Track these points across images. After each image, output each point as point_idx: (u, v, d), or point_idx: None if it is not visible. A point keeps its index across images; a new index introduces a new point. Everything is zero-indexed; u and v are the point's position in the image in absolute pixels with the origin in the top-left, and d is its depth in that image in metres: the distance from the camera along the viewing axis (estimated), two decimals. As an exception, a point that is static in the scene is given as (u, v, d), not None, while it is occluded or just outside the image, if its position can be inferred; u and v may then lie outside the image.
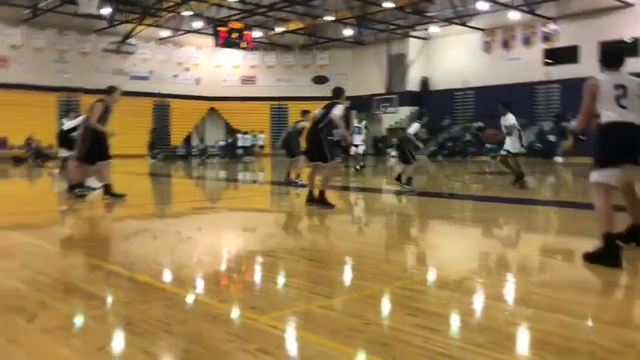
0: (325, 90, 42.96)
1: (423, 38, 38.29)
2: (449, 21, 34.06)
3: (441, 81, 39.58)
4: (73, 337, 3.06)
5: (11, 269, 4.79)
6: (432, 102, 40.12)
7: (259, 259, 5.36)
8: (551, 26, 34.20)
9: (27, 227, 7.31)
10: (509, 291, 4.20)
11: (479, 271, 4.82)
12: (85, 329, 3.20)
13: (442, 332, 3.10)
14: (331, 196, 9.14)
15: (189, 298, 3.86)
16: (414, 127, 11.58)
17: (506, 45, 36.60)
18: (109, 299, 3.84)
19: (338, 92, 9.48)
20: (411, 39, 38.62)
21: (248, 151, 36.74)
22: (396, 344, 2.87)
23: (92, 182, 10.81)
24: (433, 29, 36.70)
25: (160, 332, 3.09)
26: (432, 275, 4.67)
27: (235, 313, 3.48)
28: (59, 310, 3.53)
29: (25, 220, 8.06)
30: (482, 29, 36.54)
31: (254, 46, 36.68)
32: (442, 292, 4.05)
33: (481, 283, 4.31)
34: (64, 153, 13.45)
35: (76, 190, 10.20)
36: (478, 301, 3.83)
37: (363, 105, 41.25)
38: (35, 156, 29.51)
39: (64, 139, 12.96)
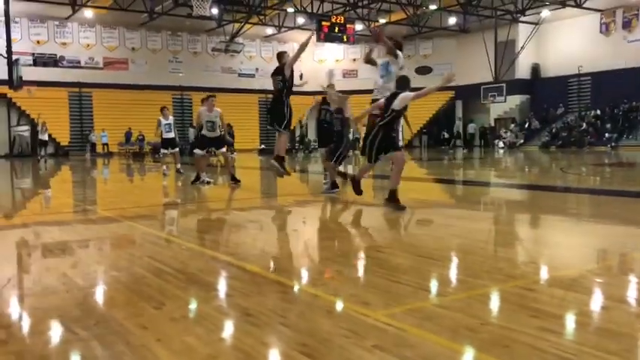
0: (429, 80, 42.19)
1: (534, 23, 36.36)
2: (562, 3, 32.06)
3: (554, 67, 37.47)
4: (197, 325, 3.22)
5: (138, 258, 5.14)
6: (543, 90, 38.13)
7: (367, 254, 5.35)
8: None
9: (148, 218, 7.83)
10: (637, 294, 3.88)
11: (601, 271, 4.50)
12: (208, 318, 3.35)
13: (567, 336, 2.93)
14: (431, 189, 8.93)
15: (302, 291, 3.93)
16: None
17: (627, 26, 33.90)
18: (227, 290, 4.01)
19: (402, 82, 8.18)
20: (520, 24, 36.83)
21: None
22: (517, 347, 2.74)
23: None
24: (545, 13, 34.73)
25: (277, 324, 3.17)
26: (549, 274, 4.42)
27: (349, 308, 3.50)
28: (183, 299, 3.74)
29: (146, 212, 8.64)
30: (600, 10, 34.08)
31: (356, 39, 36.62)
32: (563, 293, 3.81)
33: (605, 284, 4.02)
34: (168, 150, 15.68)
35: (198, 181, 11.89)
36: (604, 304, 3.57)
37: (469, 94, 40.03)
38: (153, 151, 31.64)
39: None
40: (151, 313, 3.41)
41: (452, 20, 37.84)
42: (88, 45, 37.04)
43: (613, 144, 30.39)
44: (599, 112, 33.77)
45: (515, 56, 37.41)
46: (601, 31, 35.17)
